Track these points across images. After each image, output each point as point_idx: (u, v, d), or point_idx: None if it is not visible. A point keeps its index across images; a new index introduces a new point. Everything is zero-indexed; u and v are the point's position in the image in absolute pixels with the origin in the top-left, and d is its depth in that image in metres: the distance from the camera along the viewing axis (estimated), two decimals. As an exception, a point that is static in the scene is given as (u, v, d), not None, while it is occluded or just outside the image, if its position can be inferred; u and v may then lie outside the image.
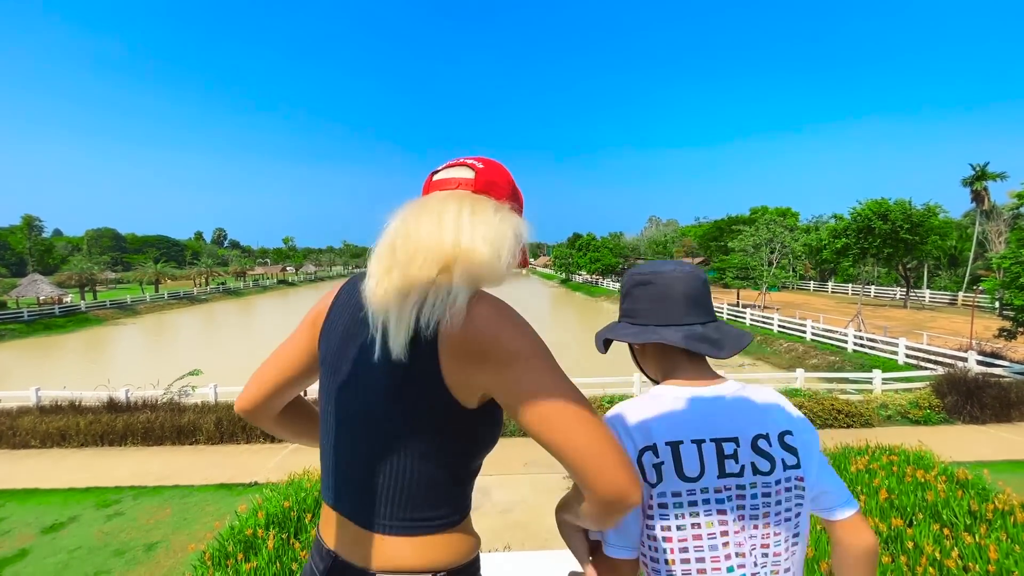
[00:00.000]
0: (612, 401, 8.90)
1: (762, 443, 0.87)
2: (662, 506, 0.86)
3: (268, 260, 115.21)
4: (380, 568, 0.83)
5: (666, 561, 0.86)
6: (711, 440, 0.87)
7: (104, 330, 30.81)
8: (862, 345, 16.22)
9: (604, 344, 1.03)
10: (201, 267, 61.03)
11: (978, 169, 35.22)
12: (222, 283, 60.14)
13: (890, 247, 24.91)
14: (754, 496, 0.85)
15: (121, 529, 5.60)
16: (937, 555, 3.08)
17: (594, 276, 54.43)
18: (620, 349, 1.12)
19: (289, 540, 3.66)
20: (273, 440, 8.25)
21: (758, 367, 17.45)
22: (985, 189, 35.32)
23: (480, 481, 6.47)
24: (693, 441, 0.87)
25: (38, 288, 34.36)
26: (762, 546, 0.86)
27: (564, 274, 64.06)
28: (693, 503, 0.85)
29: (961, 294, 31.25)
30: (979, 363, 11.58)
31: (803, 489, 0.88)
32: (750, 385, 0.95)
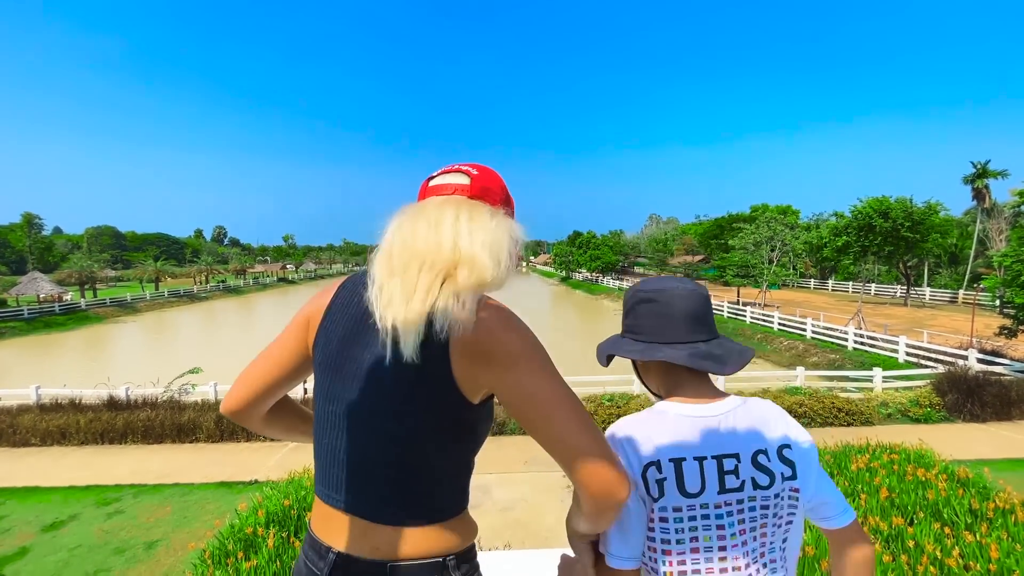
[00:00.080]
0: (612, 399, 8.89)
1: (762, 458, 0.90)
2: (663, 520, 0.89)
3: (268, 258, 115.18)
4: (395, 557, 0.87)
5: (665, 573, 0.90)
6: (712, 457, 0.90)
7: (104, 328, 30.83)
8: (862, 343, 16.22)
9: (607, 359, 1.06)
10: (201, 265, 60.96)
11: (979, 167, 35.14)
12: (222, 281, 60.15)
13: (891, 245, 24.88)
14: (752, 509, 0.89)
15: (121, 527, 5.60)
16: (938, 554, 3.07)
17: (594, 274, 54.41)
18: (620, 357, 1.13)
19: (289, 538, 3.66)
20: (273, 438, 8.24)
21: (758, 365, 17.45)
22: (986, 187, 35.25)
23: (481, 479, 6.47)
24: (695, 458, 0.89)
25: (38, 286, 34.36)
26: (759, 555, 0.90)
27: (564, 272, 64.01)
28: (693, 518, 0.88)
29: (961, 292, 31.25)
30: (980, 361, 11.57)
31: (797, 500, 0.91)
32: (750, 400, 0.97)
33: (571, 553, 1.04)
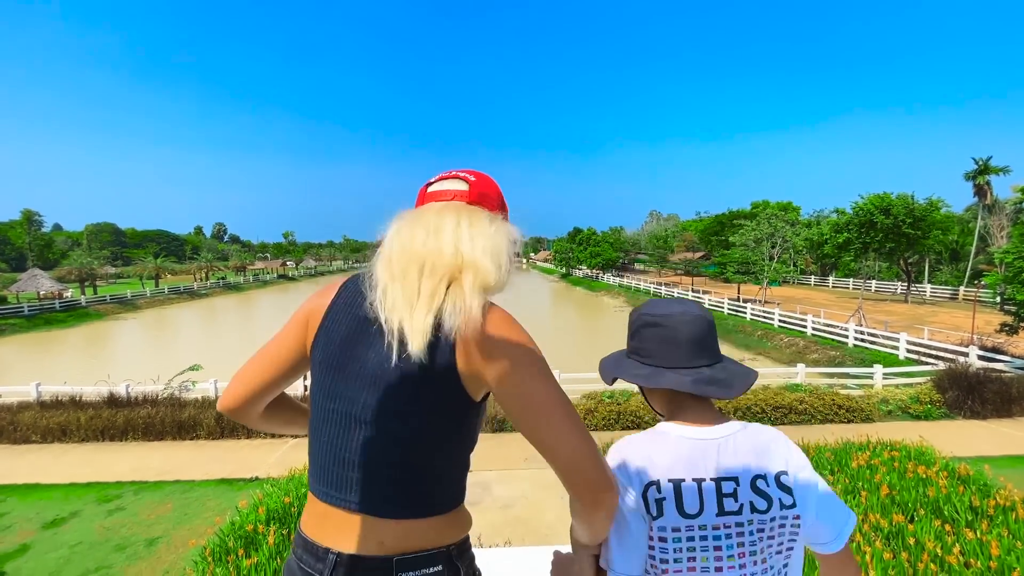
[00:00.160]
0: (612, 396, 8.89)
1: (760, 483, 0.92)
2: (662, 539, 0.91)
3: (268, 255, 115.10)
4: (400, 551, 0.89)
5: None
6: (711, 479, 0.92)
7: (104, 325, 30.85)
8: (863, 340, 16.22)
9: (612, 380, 1.08)
10: (201, 262, 60.94)
11: (981, 163, 35.06)
12: (222, 278, 60.11)
13: (892, 241, 24.84)
14: (751, 533, 0.90)
15: (122, 524, 5.61)
16: (939, 551, 3.07)
17: (594, 271, 54.37)
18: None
19: (290, 536, 3.66)
20: (274, 435, 8.26)
21: (759, 362, 17.46)
22: (988, 183, 35.17)
23: (481, 476, 6.48)
24: (694, 479, 0.91)
25: (38, 283, 34.38)
26: None
27: (564, 269, 63.97)
28: (691, 539, 0.90)
29: (962, 289, 31.21)
30: (980, 358, 11.55)
31: (798, 527, 0.92)
32: (752, 425, 0.99)
33: (568, 550, 1.06)
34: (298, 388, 9.14)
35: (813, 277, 44.54)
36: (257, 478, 6.62)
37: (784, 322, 20.40)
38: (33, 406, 9.09)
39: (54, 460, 7.63)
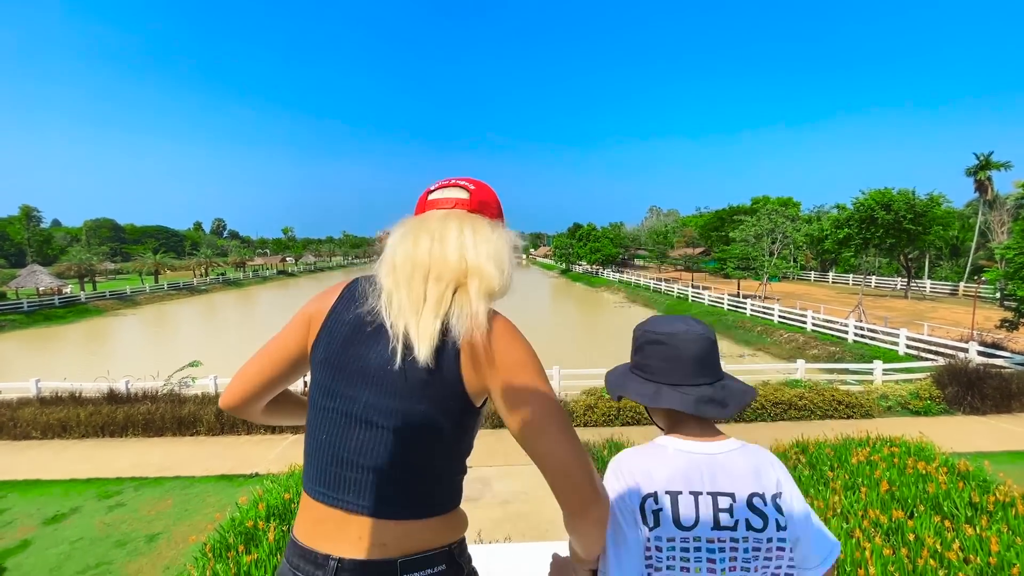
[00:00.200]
0: (612, 392, 8.89)
1: (757, 501, 0.94)
2: (658, 549, 0.93)
3: (268, 250, 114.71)
4: (403, 553, 0.89)
5: None
6: (708, 493, 0.93)
7: (104, 321, 30.84)
8: (863, 336, 16.21)
9: (618, 398, 1.12)
10: (200, 257, 60.94)
11: (982, 158, 34.97)
12: (222, 274, 60.08)
13: (893, 237, 24.77)
14: (746, 551, 0.92)
15: (122, 520, 5.61)
16: (938, 547, 3.07)
17: (594, 266, 54.35)
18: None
19: (290, 532, 3.66)
20: (274, 431, 8.27)
21: (759, 357, 17.47)
22: (989, 179, 35.10)
23: (481, 472, 6.47)
24: (691, 492, 0.94)
25: (37, 279, 34.32)
26: None
27: (564, 264, 63.94)
28: (685, 550, 0.92)
29: (962, 284, 31.18)
30: (980, 354, 11.57)
31: (792, 552, 0.95)
32: (749, 445, 1.01)
33: (566, 550, 1.07)
34: (298, 387, 9.14)
35: (813, 273, 44.50)
36: (257, 474, 6.63)
37: (784, 318, 20.39)
38: (33, 402, 9.10)
39: (54, 456, 7.64)
